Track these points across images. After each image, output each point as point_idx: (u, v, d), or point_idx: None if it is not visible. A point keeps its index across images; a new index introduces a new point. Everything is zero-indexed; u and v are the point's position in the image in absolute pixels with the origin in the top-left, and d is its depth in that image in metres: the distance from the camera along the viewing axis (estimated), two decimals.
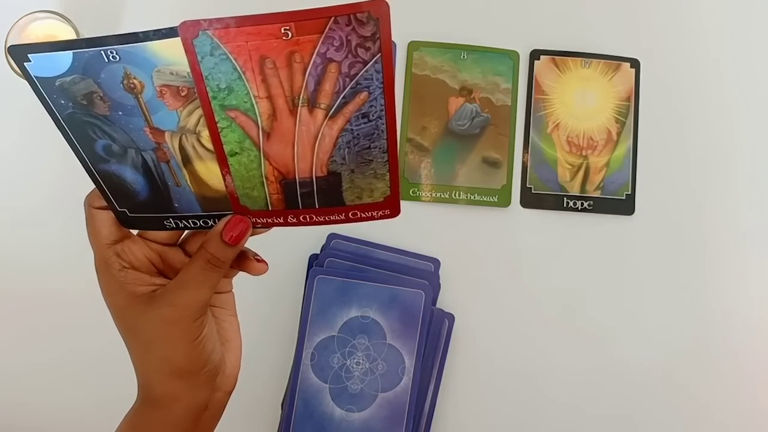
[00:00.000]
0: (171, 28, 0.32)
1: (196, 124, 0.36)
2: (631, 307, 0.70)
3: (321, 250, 0.68)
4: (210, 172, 0.37)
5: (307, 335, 0.65)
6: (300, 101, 0.34)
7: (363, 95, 0.34)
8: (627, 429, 0.69)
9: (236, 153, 0.36)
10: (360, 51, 0.33)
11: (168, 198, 0.39)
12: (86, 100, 0.35)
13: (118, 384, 0.66)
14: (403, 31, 0.71)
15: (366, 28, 0.32)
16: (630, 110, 0.72)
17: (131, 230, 0.41)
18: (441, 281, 0.68)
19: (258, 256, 0.41)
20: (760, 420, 0.69)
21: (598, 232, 0.71)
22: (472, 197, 0.70)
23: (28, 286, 0.69)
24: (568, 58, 0.72)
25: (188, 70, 0.33)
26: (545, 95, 0.72)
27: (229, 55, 0.32)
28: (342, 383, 0.64)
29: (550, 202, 0.71)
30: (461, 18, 0.73)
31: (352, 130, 0.35)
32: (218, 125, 0.35)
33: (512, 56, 0.72)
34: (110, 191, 0.39)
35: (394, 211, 0.39)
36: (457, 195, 0.70)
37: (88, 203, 0.39)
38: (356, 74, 0.34)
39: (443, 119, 0.71)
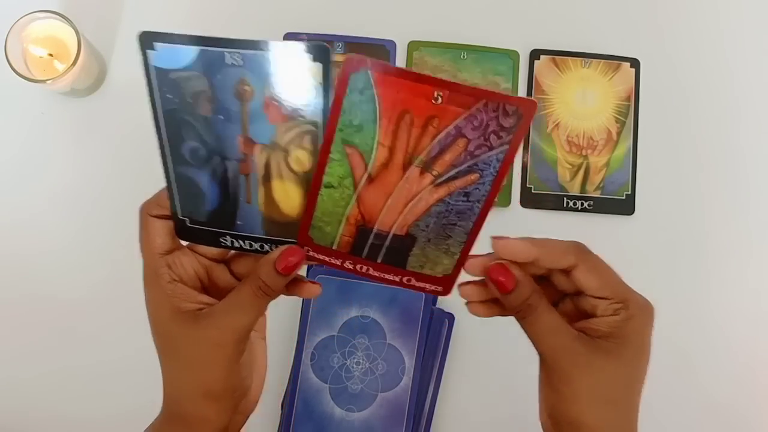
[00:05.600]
0: (299, 42, 0.33)
1: (289, 142, 0.36)
2: None
3: None
4: (285, 193, 0.37)
5: (307, 335, 0.65)
6: (416, 161, 0.35)
7: (474, 176, 0.35)
8: None
9: (332, 186, 0.36)
10: (492, 137, 0.34)
11: (233, 214, 0.38)
12: (193, 99, 0.35)
13: (122, 393, 0.67)
14: (403, 31, 0.71)
15: (508, 119, 0.33)
16: (630, 110, 0.72)
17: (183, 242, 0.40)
18: None
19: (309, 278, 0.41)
20: (761, 419, 0.69)
21: (598, 232, 0.71)
22: None
23: (31, 290, 0.68)
24: (568, 58, 0.72)
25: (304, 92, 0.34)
26: (545, 95, 0.72)
27: (376, 97, 0.33)
28: (342, 383, 0.64)
29: (550, 202, 0.71)
30: (461, 18, 0.73)
31: (449, 203, 0.36)
32: (330, 155, 0.35)
33: (512, 56, 0.72)
34: (180, 195, 0.38)
35: (447, 291, 0.40)
36: None
37: (146, 211, 0.39)
38: (478, 156, 0.35)
39: None
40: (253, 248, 0.39)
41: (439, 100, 0.33)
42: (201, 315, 0.38)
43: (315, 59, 0.33)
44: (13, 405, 0.67)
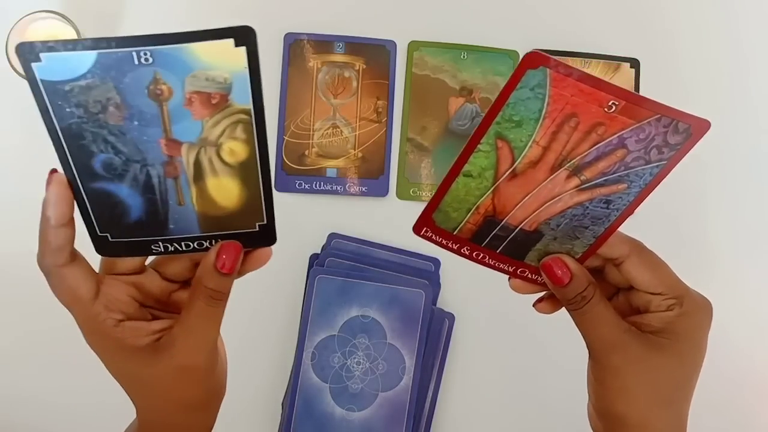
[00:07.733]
0: (225, 28, 0.30)
1: (220, 136, 0.33)
2: None
3: (321, 250, 0.68)
4: (222, 188, 0.35)
5: (308, 335, 0.65)
6: (568, 165, 0.34)
7: (621, 186, 0.35)
8: None
9: (470, 175, 0.35)
10: (653, 152, 0.34)
11: (164, 219, 0.35)
12: (98, 108, 0.32)
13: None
14: (403, 31, 0.71)
15: (676, 137, 0.33)
16: None
17: (103, 270, 0.37)
18: (441, 281, 0.68)
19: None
20: (761, 419, 0.69)
21: None
22: None
23: (34, 290, 0.69)
24: (568, 58, 0.72)
25: (226, 75, 0.31)
26: None
27: (547, 97, 0.32)
28: (342, 383, 0.65)
29: None
30: (461, 18, 0.73)
31: (587, 207, 0.36)
32: (479, 146, 0.34)
33: (512, 56, 0.72)
34: (96, 214, 0.35)
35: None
36: None
37: (50, 264, 0.34)
38: (632, 167, 0.34)
39: (443, 119, 0.71)
40: (190, 248, 0.36)
41: (613, 108, 0.32)
42: (162, 346, 0.35)
43: (237, 44, 0.30)
44: (13, 398, 0.68)
